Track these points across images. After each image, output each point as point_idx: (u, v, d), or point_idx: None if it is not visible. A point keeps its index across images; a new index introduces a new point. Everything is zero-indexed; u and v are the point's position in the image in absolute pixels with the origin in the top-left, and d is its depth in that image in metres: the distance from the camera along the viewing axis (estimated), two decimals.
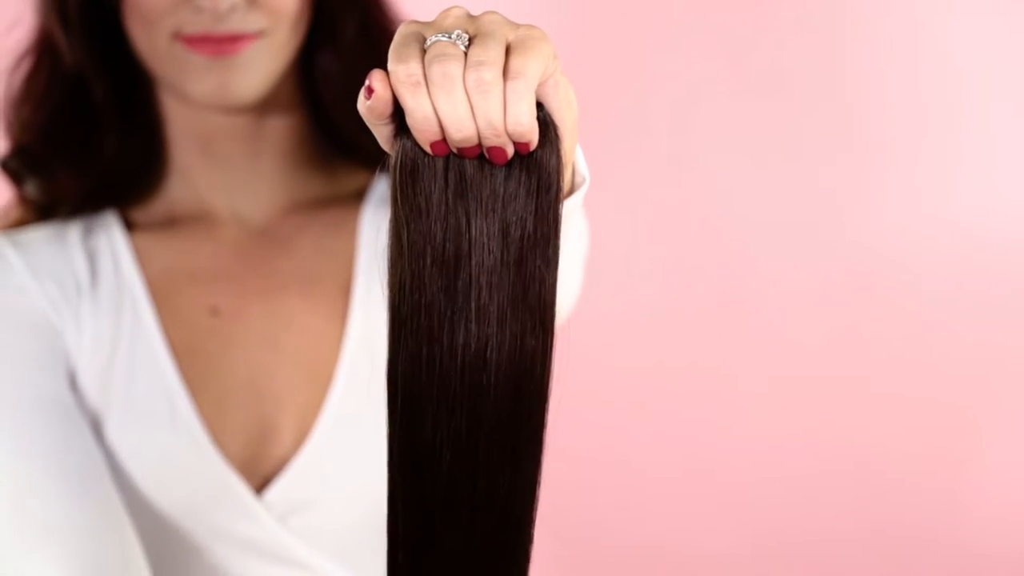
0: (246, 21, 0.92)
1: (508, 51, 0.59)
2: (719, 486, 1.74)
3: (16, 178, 1.01)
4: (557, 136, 0.62)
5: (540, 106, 0.61)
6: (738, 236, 1.69)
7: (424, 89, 0.59)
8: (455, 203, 0.62)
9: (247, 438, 0.94)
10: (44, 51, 0.99)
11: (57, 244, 0.97)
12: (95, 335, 0.94)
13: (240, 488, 0.92)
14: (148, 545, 0.91)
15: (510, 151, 0.61)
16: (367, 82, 0.60)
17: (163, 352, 0.94)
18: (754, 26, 1.65)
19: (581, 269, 0.99)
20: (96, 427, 0.92)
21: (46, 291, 0.94)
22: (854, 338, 1.70)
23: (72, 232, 0.98)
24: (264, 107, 0.98)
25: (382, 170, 1.03)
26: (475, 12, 0.62)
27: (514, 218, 0.62)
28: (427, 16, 0.63)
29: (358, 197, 1.03)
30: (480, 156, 0.61)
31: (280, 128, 1.01)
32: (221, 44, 0.92)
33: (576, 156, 0.67)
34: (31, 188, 1.01)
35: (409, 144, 0.61)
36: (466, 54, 0.59)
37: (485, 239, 0.62)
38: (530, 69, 0.59)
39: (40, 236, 0.97)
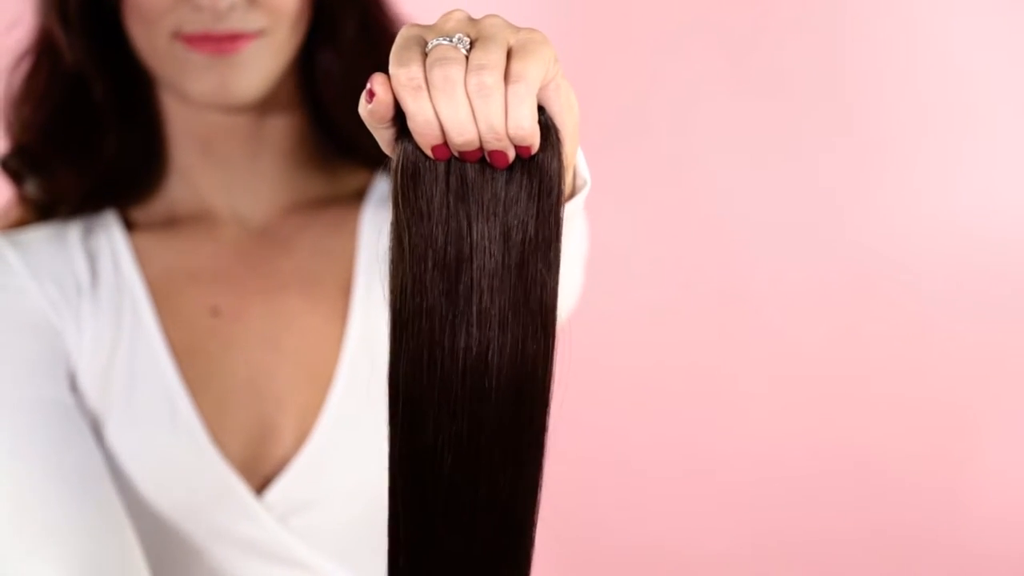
0: (246, 20, 0.92)
1: (509, 55, 0.59)
2: (719, 486, 1.74)
3: (16, 178, 1.01)
4: (558, 140, 0.62)
5: (541, 110, 0.61)
6: (738, 236, 1.69)
7: (425, 93, 0.59)
8: (456, 207, 0.61)
9: (247, 438, 0.94)
10: (44, 51, 0.99)
11: (57, 244, 0.96)
12: (95, 335, 0.93)
13: (240, 488, 0.92)
14: (149, 546, 0.91)
15: (511, 155, 0.61)
16: (368, 85, 0.60)
17: (163, 352, 0.94)
18: (754, 26, 1.65)
19: (582, 270, 0.99)
20: (96, 428, 0.92)
21: (46, 292, 0.93)
22: (854, 338, 1.70)
23: (72, 232, 0.98)
24: (264, 106, 0.98)
25: (383, 172, 1.03)
26: (476, 15, 0.62)
27: (515, 222, 0.62)
28: (427, 14, 0.63)
29: (358, 197, 1.03)
30: (481, 160, 0.61)
31: (280, 128, 1.01)
32: (221, 43, 0.92)
33: (577, 159, 0.67)
34: (31, 188, 1.01)
35: (410, 148, 0.61)
36: (467, 58, 0.59)
37: (486, 243, 0.62)
38: (531, 73, 0.59)
39: (40, 236, 0.97)
